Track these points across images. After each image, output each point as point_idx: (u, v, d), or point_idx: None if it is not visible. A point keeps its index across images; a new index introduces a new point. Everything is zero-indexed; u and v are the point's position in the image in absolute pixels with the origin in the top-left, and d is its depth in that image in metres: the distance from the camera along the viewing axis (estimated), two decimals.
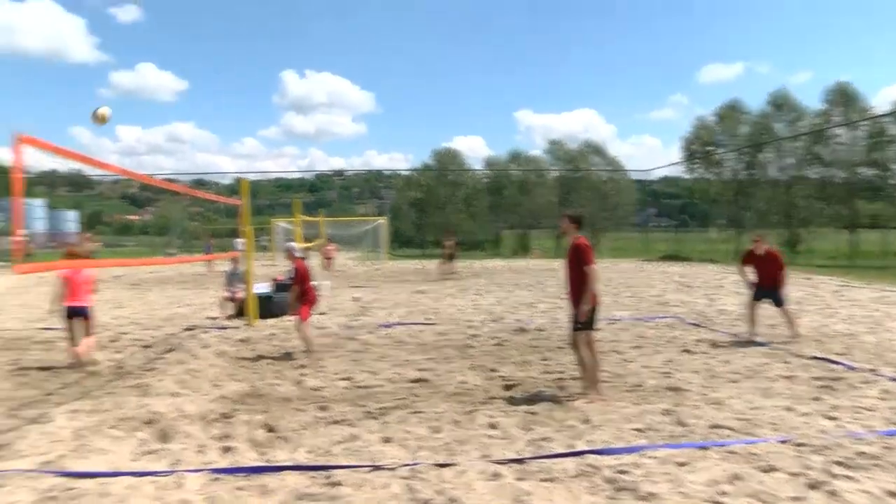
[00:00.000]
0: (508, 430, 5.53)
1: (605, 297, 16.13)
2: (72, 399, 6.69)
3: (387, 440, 5.28)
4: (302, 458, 4.92)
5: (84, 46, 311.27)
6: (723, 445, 5.03)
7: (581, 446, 5.06)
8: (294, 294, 9.04)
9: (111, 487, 4.37)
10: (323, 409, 6.23)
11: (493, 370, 7.96)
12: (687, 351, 9.00)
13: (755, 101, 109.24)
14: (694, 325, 11.37)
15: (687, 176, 45.77)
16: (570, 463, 4.74)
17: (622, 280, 21.61)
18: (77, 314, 8.17)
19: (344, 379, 7.56)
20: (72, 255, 8.91)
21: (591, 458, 4.80)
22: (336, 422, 5.80)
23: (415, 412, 6.06)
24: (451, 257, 24.04)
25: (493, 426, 5.62)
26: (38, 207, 55.54)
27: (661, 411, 5.99)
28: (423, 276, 24.46)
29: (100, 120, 7.11)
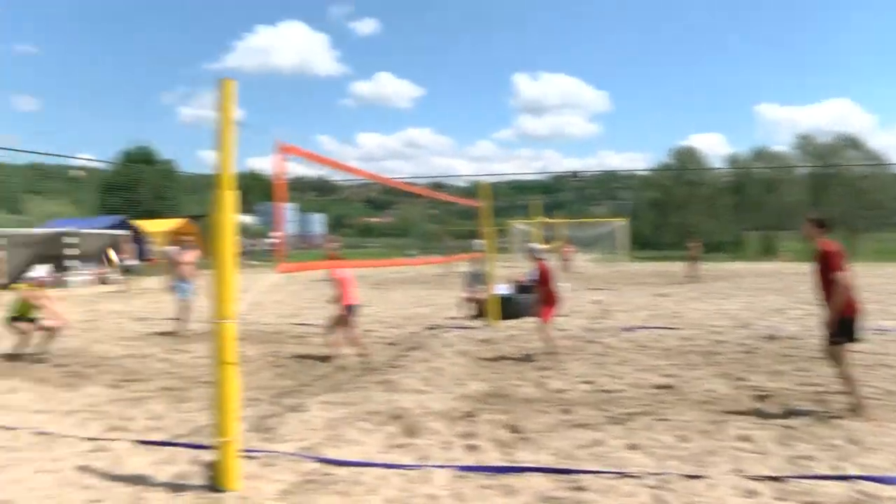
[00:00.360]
0: (763, 443, 5.11)
1: (867, 304, 14.46)
2: (324, 391, 7.18)
3: (632, 447, 5.11)
4: (546, 460, 4.90)
5: (327, 60, 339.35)
6: None
7: (852, 470, 4.53)
8: (538, 295, 9.06)
9: (363, 476, 4.62)
10: (566, 411, 6.18)
11: (741, 379, 7.44)
12: None
13: None
14: None
15: None
16: (838, 487, 4.27)
17: (888, 286, 19.25)
18: (353, 312, 8.86)
19: (586, 382, 7.45)
20: (333, 258, 9.62)
21: (867, 486, 4.27)
22: (579, 425, 5.72)
23: (661, 419, 5.82)
24: (695, 260, 22.99)
25: (745, 438, 5.23)
26: (289, 211, 61.19)
27: None
28: (665, 279, 23.59)
29: None
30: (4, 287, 20.27)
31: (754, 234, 48.77)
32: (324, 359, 8.94)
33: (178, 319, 11.27)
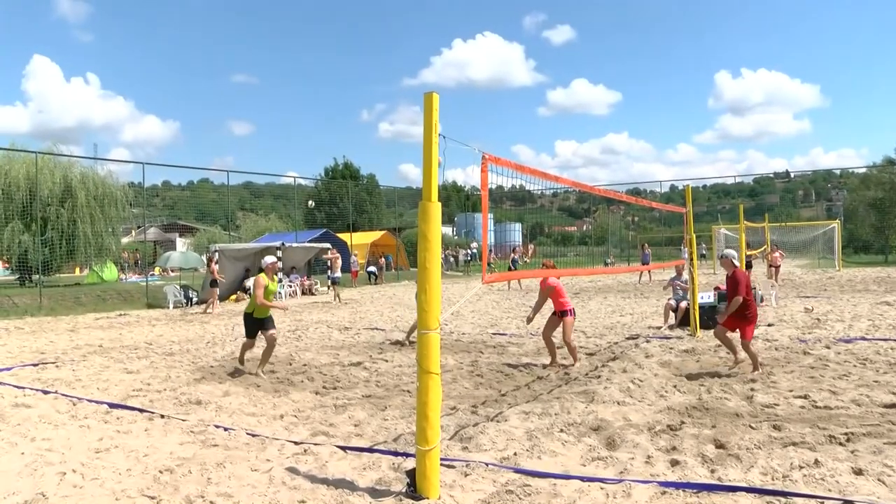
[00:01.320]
0: None
1: None
2: (523, 401, 7.12)
3: (858, 472, 4.55)
4: (756, 479, 4.50)
5: (523, 70, 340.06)
6: None
7: None
8: (730, 305, 8.27)
9: (562, 489, 4.49)
10: (777, 428, 5.67)
11: None
12: None
13: None
14: None
15: None
16: None
17: None
18: (564, 315, 9.12)
19: (800, 397, 6.82)
20: (547, 266, 9.77)
21: None
22: (794, 444, 5.21)
23: (893, 443, 5.15)
24: None
25: None
26: (490, 221, 62.01)
27: None
28: (888, 286, 21.27)
29: None
30: (223, 299, 22.33)
31: None
32: (522, 368, 8.91)
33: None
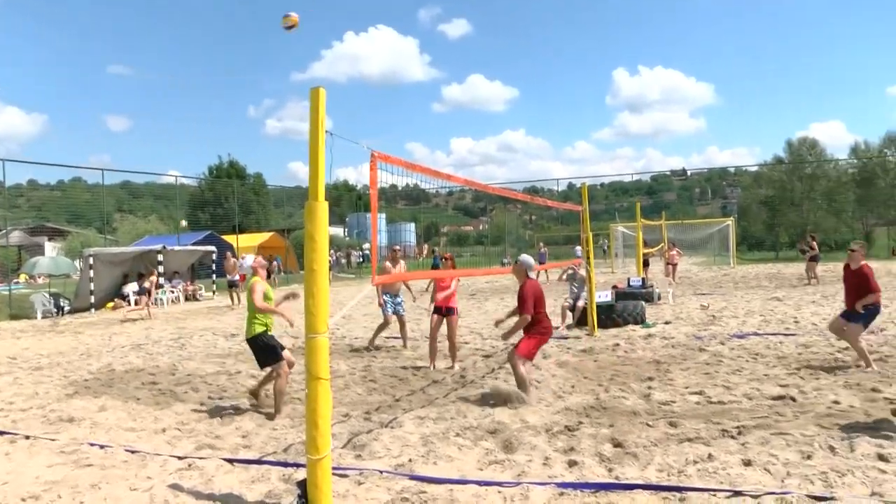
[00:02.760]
0: None
1: None
2: (418, 406, 7.19)
3: (747, 463, 4.88)
4: (653, 476, 4.74)
5: (417, 65, 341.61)
6: None
7: None
8: (517, 324, 7.46)
9: (459, 494, 4.58)
10: (673, 424, 5.99)
11: (875, 390, 7.01)
12: None
13: None
14: None
15: None
16: None
17: None
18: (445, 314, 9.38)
19: (695, 393, 7.22)
20: (446, 259, 10.27)
21: None
22: (689, 439, 5.52)
23: (779, 433, 5.54)
24: (813, 260, 21.97)
25: (882, 458, 4.89)
26: (380, 221, 62.00)
27: None
28: (779, 282, 22.67)
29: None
30: (98, 307, 21.43)
31: (884, 230, 46.07)
32: (416, 372, 8.99)
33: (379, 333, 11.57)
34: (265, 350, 7.11)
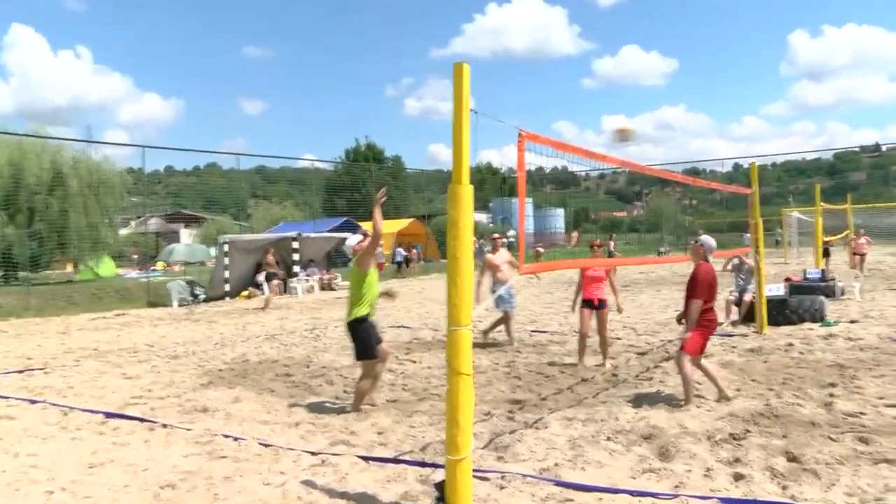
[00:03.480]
0: None
1: None
2: (565, 406, 7.10)
3: None
4: (839, 500, 4.40)
5: (566, 37, 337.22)
6: None
7: None
8: (688, 313, 7.12)
9: None
10: (864, 441, 5.53)
11: None
12: None
13: None
14: None
15: None
16: None
17: None
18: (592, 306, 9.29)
19: (892, 406, 6.65)
20: (594, 247, 10.17)
21: None
22: (886, 461, 5.06)
23: None
24: None
25: None
26: (527, 206, 61.58)
27: None
28: None
29: (623, 134, 7.66)
30: (233, 296, 22.49)
31: None
32: (565, 369, 8.89)
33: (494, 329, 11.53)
34: (366, 337, 7.07)
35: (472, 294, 4.36)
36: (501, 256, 11.01)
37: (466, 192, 4.30)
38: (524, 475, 5.01)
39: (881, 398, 6.96)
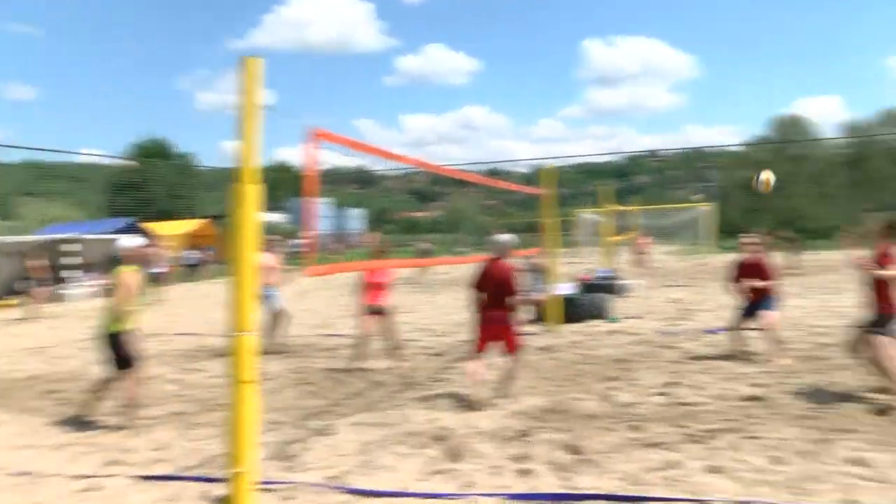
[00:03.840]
0: (883, 469, 4.92)
1: None
2: (356, 411, 7.19)
3: (714, 470, 4.99)
4: (611, 485, 4.82)
5: (371, 33, 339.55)
6: None
7: None
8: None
9: None
10: (636, 428, 6.08)
11: (853, 389, 7.20)
12: None
13: None
14: None
15: None
16: None
17: None
18: (376, 313, 9.19)
19: (661, 394, 7.34)
20: (379, 254, 9.88)
21: None
22: (652, 444, 5.62)
23: (750, 437, 5.68)
24: (794, 250, 22.54)
25: (858, 462, 5.06)
26: (324, 206, 61.23)
27: None
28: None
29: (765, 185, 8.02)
30: None
31: (877, 217, 47.17)
32: (357, 374, 8.98)
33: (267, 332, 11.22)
34: (124, 350, 6.89)
35: (256, 299, 4.34)
36: (269, 259, 10.86)
37: (252, 192, 4.29)
38: (311, 484, 5.05)
39: (653, 388, 7.65)
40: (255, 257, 4.36)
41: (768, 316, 8.90)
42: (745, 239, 9.53)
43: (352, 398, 7.87)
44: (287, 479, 5.17)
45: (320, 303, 18.61)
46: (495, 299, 7.30)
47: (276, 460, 5.65)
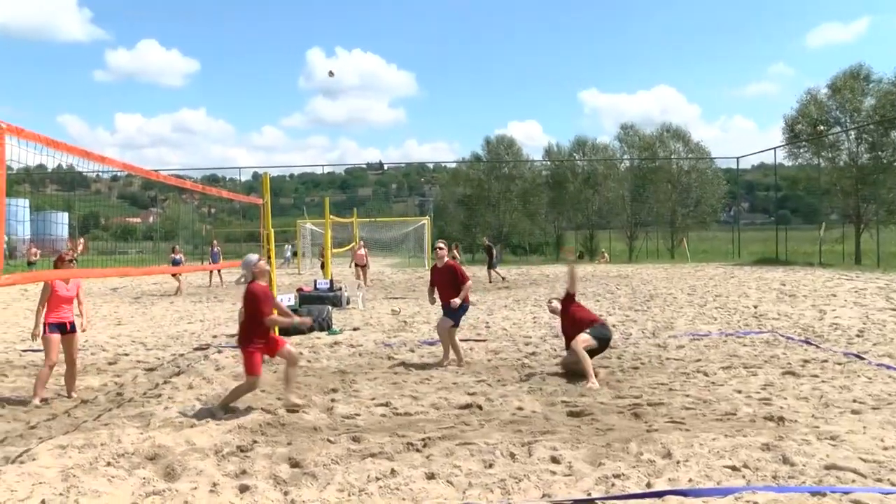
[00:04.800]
0: (574, 465, 5.44)
1: (688, 307, 15.93)
2: (60, 433, 6.71)
3: (431, 476, 5.25)
4: (332, 497, 4.91)
5: (76, 21, 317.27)
6: (846, 493, 4.72)
7: (661, 485, 4.95)
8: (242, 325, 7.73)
9: None
10: (356, 440, 6.23)
11: (554, 394, 7.91)
12: (791, 373, 8.77)
13: (883, 66, 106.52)
14: (800, 341, 11.09)
15: (789, 163, 43.18)
16: None
17: (708, 288, 21.29)
18: (63, 330, 8.21)
19: (381, 405, 7.57)
20: (62, 263, 8.34)
21: (675, 501, 4.69)
22: (372, 455, 5.78)
23: (464, 443, 6.02)
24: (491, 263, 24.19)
25: (555, 460, 5.55)
26: (21, 208, 56.40)
27: (761, 446, 5.79)
28: (473, 286, 24.47)
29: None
30: None
31: (574, 234, 51.71)
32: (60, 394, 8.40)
33: None
34: None
35: None
36: None
37: None
38: None
39: (373, 399, 7.88)
40: None
41: (443, 321, 9.85)
42: (437, 244, 10.55)
43: (54, 419, 7.35)
44: None
45: (17, 315, 17.17)
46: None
47: None
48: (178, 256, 26.61)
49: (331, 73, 11.17)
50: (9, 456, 5.96)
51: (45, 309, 8.10)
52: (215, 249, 29.53)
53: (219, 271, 26.77)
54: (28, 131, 5.14)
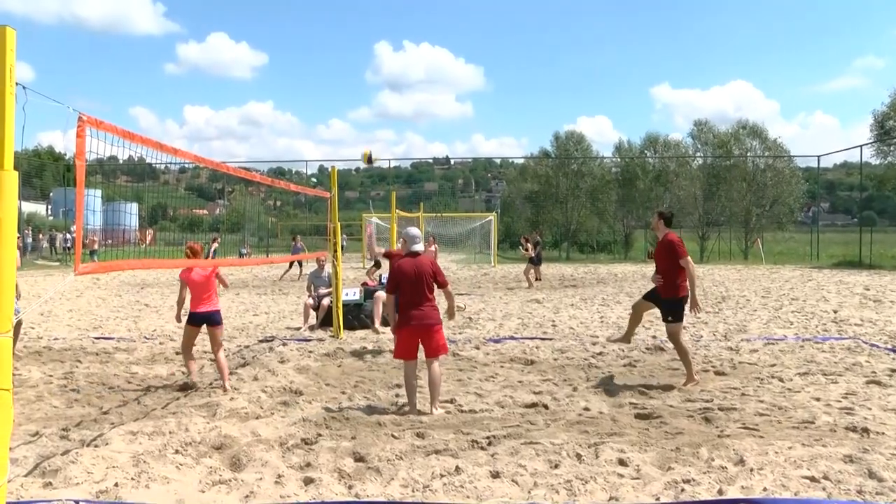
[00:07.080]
0: (642, 468, 5.40)
1: (762, 310, 15.61)
2: (131, 419, 6.95)
3: (495, 475, 5.26)
4: (396, 492, 4.97)
5: (149, 14, 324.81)
6: None
7: (733, 493, 4.86)
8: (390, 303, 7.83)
9: None
10: (421, 436, 6.29)
11: (622, 395, 7.85)
12: (876, 382, 8.42)
13: None
14: (887, 349, 10.71)
15: (876, 161, 41.31)
16: None
17: (784, 291, 20.81)
18: (204, 321, 8.44)
19: (446, 402, 7.61)
20: (192, 252, 8.56)
21: None
22: (436, 451, 5.82)
23: (529, 443, 6.01)
24: (532, 259, 23.75)
25: (623, 462, 5.51)
26: (95, 199, 57.81)
27: (843, 457, 5.58)
28: (540, 283, 24.37)
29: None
30: None
31: (643, 233, 51.04)
32: (131, 380, 8.66)
33: None
34: None
35: (12, 296, 4.10)
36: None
37: (10, 179, 4.05)
38: (77, 501, 4.82)
39: (441, 395, 7.89)
40: (12, 252, 4.11)
41: None
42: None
43: (125, 405, 7.60)
44: (47, 497, 4.88)
45: (90, 303, 17.72)
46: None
47: (34, 476, 5.32)
48: (299, 245, 27.85)
49: (369, 161, 11.02)
50: (84, 439, 6.24)
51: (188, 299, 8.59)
52: (298, 244, 29.87)
53: (300, 263, 27.14)
54: (106, 123, 5.29)
